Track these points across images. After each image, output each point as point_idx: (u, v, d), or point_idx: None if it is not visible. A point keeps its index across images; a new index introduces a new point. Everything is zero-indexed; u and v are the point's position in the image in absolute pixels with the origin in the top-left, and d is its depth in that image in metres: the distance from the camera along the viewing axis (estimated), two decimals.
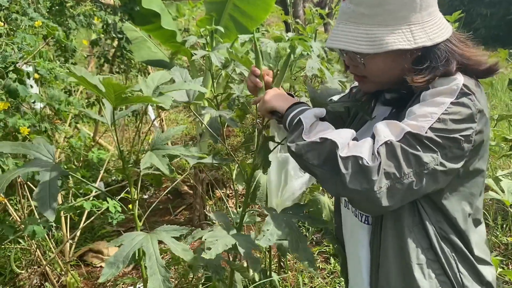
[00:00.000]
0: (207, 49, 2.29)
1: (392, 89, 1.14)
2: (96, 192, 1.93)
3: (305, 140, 1.02)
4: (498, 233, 3.02)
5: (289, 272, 2.66)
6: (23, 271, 2.55)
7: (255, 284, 2.40)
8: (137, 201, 1.23)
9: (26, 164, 1.08)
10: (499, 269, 2.09)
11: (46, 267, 2.42)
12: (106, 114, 1.15)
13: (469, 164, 1.02)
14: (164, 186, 3.70)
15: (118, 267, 1.06)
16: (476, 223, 1.12)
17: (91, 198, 2.04)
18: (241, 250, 1.21)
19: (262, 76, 1.28)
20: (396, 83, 1.09)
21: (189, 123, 5.04)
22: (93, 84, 0.95)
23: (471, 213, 1.08)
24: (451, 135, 0.95)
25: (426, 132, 0.94)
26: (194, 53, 2.19)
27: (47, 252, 2.57)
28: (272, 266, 2.57)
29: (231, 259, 1.85)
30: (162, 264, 1.08)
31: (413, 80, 1.02)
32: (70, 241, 2.58)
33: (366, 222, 1.15)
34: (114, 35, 2.98)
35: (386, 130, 0.97)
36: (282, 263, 2.64)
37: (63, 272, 2.48)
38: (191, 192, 3.47)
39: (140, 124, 3.74)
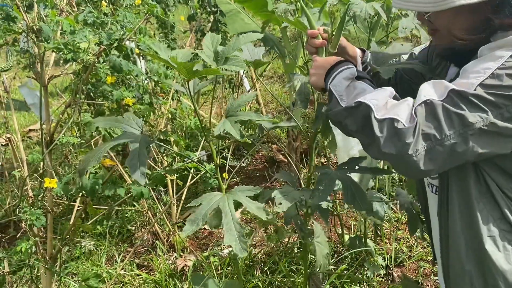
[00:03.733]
0: (297, 15, 2.27)
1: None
2: (190, 159, 2.07)
3: (341, 106, 0.98)
4: None
5: (385, 240, 2.61)
6: (133, 229, 2.85)
7: (351, 251, 2.40)
8: (219, 165, 1.31)
9: (118, 137, 1.21)
10: None
11: (157, 227, 2.68)
12: (189, 86, 1.22)
13: None
14: (260, 154, 3.82)
15: (198, 224, 1.15)
16: None
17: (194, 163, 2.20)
18: (309, 202, 1.24)
19: (320, 35, 1.24)
20: (472, 39, 0.97)
21: (283, 93, 5.07)
22: (166, 59, 1.01)
23: None
24: (507, 92, 0.83)
25: (475, 90, 0.84)
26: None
27: (157, 214, 2.83)
28: (368, 234, 2.54)
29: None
30: (238, 221, 1.14)
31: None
32: (176, 204, 2.81)
33: (436, 192, 1.09)
34: (209, 9, 3.09)
35: (429, 89, 0.89)
36: (378, 231, 2.59)
37: (171, 232, 2.73)
38: (286, 160, 3.53)
39: (237, 95, 3.87)
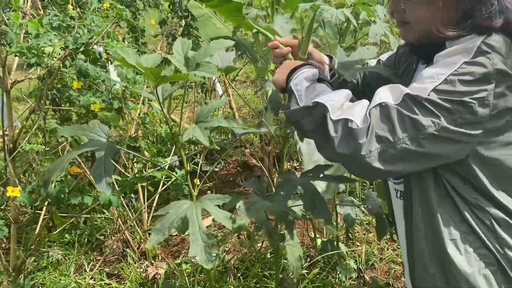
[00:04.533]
0: (268, 21, 2.27)
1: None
2: (160, 166, 2.04)
3: (299, 106, 0.99)
4: None
5: (357, 243, 2.64)
6: (103, 237, 2.78)
7: (323, 255, 2.41)
8: (189, 171, 1.29)
9: (83, 145, 1.17)
10: None
11: (128, 235, 2.63)
12: (157, 91, 1.20)
13: (497, 133, 0.91)
14: (233, 159, 3.80)
15: (164, 233, 1.12)
16: None
17: (163, 171, 2.16)
18: (274, 213, 1.24)
19: (281, 44, 1.25)
20: (440, 36, 0.98)
21: (256, 97, 5.08)
22: (133, 65, 0.99)
23: None
24: (460, 98, 0.85)
25: (428, 95, 0.86)
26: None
27: (127, 221, 2.77)
28: (340, 237, 2.56)
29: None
30: (204, 231, 1.12)
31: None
32: (148, 211, 2.76)
33: (401, 197, 1.10)
34: (180, 14, 3.07)
35: (385, 93, 0.91)
36: (350, 234, 2.62)
37: (142, 240, 2.67)
38: (259, 165, 3.53)
39: (209, 100, 3.85)
